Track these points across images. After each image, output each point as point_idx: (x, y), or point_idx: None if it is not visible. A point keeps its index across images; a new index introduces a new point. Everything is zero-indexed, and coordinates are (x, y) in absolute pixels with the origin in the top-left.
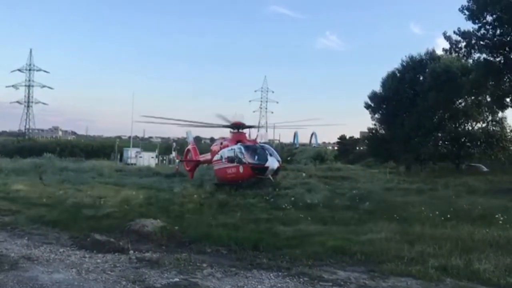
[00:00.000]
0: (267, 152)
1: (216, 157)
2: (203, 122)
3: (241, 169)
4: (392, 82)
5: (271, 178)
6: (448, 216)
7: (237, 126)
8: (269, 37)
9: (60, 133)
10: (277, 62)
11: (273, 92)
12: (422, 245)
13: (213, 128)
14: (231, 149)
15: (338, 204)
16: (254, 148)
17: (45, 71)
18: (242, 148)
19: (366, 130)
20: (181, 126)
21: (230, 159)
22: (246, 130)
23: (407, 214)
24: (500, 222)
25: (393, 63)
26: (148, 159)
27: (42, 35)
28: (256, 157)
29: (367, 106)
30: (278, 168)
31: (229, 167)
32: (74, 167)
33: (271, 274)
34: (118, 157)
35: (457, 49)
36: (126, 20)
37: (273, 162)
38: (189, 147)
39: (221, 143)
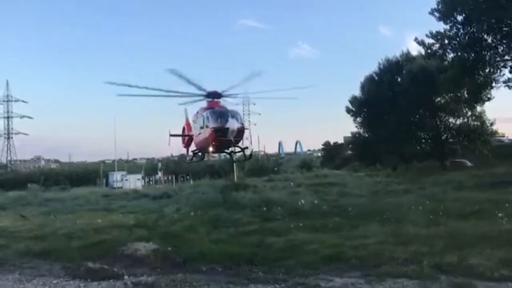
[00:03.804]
0: (229, 114)
1: (194, 127)
2: (181, 91)
3: (207, 134)
4: (371, 85)
5: (232, 140)
6: (439, 214)
7: (213, 95)
8: (242, 50)
9: (43, 162)
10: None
11: (254, 104)
12: (416, 245)
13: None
14: (201, 116)
15: (329, 210)
16: (218, 112)
17: (23, 101)
18: (209, 113)
19: (350, 135)
20: (159, 98)
21: (201, 127)
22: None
23: (398, 215)
24: (490, 216)
25: (370, 66)
26: (134, 181)
27: (18, 65)
28: (219, 119)
29: (348, 111)
30: (239, 130)
31: (200, 134)
32: (60, 197)
33: (268, 287)
34: (104, 181)
35: (432, 52)
36: (103, 45)
37: (233, 123)
38: (185, 123)
39: (197, 112)
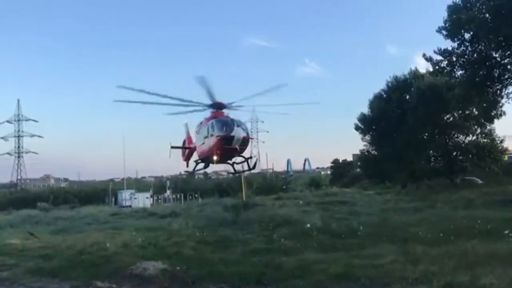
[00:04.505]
0: (234, 123)
1: (197, 137)
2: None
3: (212, 142)
4: (379, 103)
5: (238, 149)
6: (449, 233)
7: (217, 106)
8: (250, 68)
9: (52, 181)
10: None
11: (263, 122)
12: (426, 264)
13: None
14: (206, 125)
15: (338, 229)
16: (223, 121)
17: (33, 120)
18: (214, 122)
19: (359, 152)
20: (167, 116)
21: (205, 136)
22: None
23: (408, 234)
24: (502, 234)
25: (378, 84)
26: (143, 200)
27: (29, 84)
28: (224, 128)
29: (357, 128)
30: (245, 139)
31: (204, 144)
32: (69, 215)
33: None
34: (113, 200)
35: (440, 69)
36: (113, 63)
37: (239, 132)
38: (185, 137)
39: (201, 123)
